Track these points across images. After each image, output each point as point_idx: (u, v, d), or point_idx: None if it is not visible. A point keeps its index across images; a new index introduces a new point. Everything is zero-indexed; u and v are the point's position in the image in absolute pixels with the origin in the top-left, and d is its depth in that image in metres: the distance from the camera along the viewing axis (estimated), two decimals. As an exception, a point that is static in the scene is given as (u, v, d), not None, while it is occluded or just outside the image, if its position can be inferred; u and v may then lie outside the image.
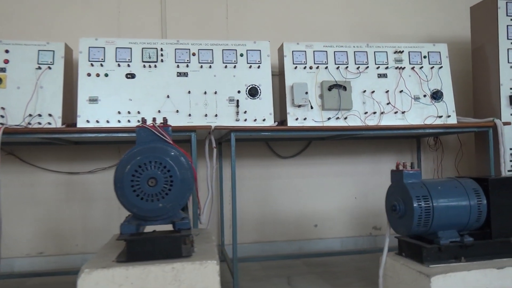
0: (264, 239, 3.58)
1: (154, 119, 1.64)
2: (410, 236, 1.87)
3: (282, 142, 3.64)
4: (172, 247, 1.45)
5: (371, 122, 3.03)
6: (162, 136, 1.53)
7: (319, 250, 3.60)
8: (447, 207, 1.72)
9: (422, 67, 3.17)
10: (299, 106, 2.98)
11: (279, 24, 3.71)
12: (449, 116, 3.12)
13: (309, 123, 2.96)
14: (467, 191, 1.77)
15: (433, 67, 3.18)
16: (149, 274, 1.38)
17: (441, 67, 3.18)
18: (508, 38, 3.01)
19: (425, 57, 3.20)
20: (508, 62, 3.01)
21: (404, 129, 3.01)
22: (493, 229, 1.78)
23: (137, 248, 1.42)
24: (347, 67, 3.08)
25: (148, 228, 1.80)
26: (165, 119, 1.67)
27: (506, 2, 3.00)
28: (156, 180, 1.39)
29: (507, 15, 3.01)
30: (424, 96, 3.13)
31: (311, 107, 2.97)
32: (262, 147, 3.63)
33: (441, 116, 3.11)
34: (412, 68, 3.16)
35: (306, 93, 2.96)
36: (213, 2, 3.61)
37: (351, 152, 3.77)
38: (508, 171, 2.97)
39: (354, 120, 3.01)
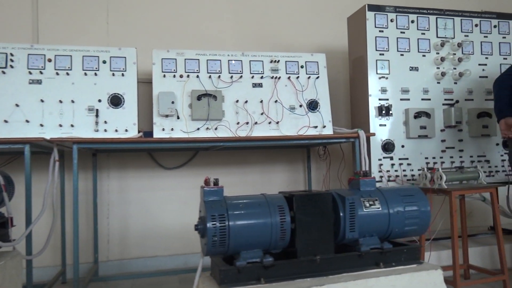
0: (146, 254, 3.42)
1: None
2: (224, 255, 1.78)
3: (167, 152, 3.51)
4: None
5: (243, 132, 2.95)
6: None
7: (206, 264, 3.46)
8: (245, 226, 1.64)
9: (298, 77, 3.13)
10: (167, 116, 2.86)
11: (165, 30, 3.59)
12: (324, 127, 3.09)
13: (177, 134, 2.84)
14: (271, 208, 1.69)
15: (310, 77, 3.15)
16: None
17: (318, 77, 3.16)
18: (376, 49, 3.02)
19: (302, 66, 3.16)
20: (377, 73, 3.02)
21: (274, 140, 2.95)
22: (298, 247, 1.71)
23: None
24: (219, 76, 2.99)
25: None
26: None
27: (375, 14, 3.02)
28: None
29: (375, 27, 3.02)
30: (300, 106, 3.09)
31: (178, 117, 2.86)
32: (146, 158, 3.48)
33: (316, 127, 3.08)
34: (289, 78, 3.11)
35: (173, 102, 2.85)
36: (93, 7, 3.44)
37: (242, 162, 3.69)
38: (377, 181, 2.97)
39: (225, 131, 2.92)
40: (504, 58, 3.28)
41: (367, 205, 1.81)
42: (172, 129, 2.85)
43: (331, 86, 3.83)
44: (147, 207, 3.45)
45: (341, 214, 1.77)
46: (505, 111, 2.63)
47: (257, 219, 1.66)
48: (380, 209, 1.82)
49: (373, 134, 2.93)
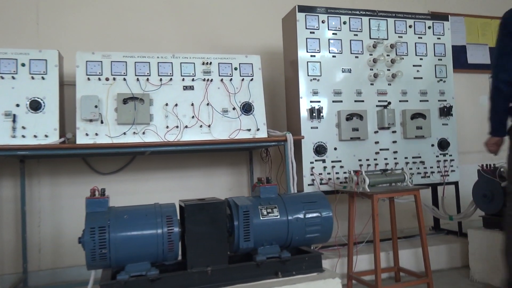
0: (81, 263, 3.26)
1: None
2: (111, 268, 1.71)
3: (102, 157, 3.40)
4: None
5: (172, 137, 2.88)
6: None
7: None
8: (128, 238, 1.57)
9: (231, 79, 3.07)
10: (91, 120, 2.76)
11: (100, 31, 3.48)
12: (258, 130, 3.04)
13: (101, 139, 2.75)
14: (158, 218, 1.63)
15: (243, 79, 3.09)
16: None
17: (252, 79, 3.10)
18: (307, 51, 2.98)
19: (236, 68, 3.10)
20: (308, 75, 2.98)
21: (204, 144, 2.89)
22: (188, 258, 1.65)
23: None
24: (148, 79, 2.91)
25: None
26: None
27: (305, 15, 2.98)
28: None
29: (306, 28, 2.98)
30: (234, 109, 3.03)
31: (102, 122, 2.77)
32: (79, 163, 3.37)
33: (249, 130, 3.02)
34: (221, 80, 3.05)
35: (96, 106, 2.75)
36: (21, 6, 3.31)
37: (183, 166, 3.61)
38: (309, 184, 2.94)
39: (153, 135, 2.84)
40: (439, 59, 3.29)
41: (265, 213, 1.76)
42: (96, 134, 2.76)
43: (274, 87, 3.80)
44: (81, 214, 3.27)
45: (236, 223, 1.72)
46: (501, 130, 2.27)
47: (142, 230, 1.60)
48: (278, 217, 1.78)
49: (302, 137, 2.89)
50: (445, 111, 3.22)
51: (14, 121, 2.65)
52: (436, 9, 4.42)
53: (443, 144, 3.22)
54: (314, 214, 1.82)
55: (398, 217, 3.84)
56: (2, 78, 2.68)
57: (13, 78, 2.70)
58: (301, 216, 1.80)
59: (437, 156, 3.23)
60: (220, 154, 3.72)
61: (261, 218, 1.75)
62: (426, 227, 3.83)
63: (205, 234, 1.67)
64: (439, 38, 3.30)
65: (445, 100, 3.28)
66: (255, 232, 1.73)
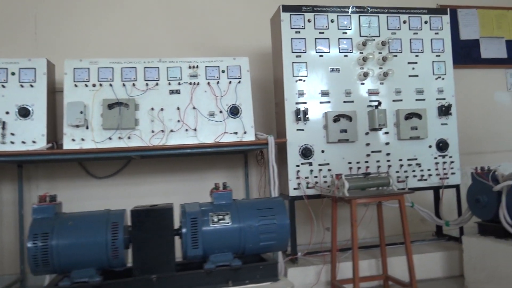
0: (77, 265, 3.39)
1: None
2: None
3: (97, 162, 3.47)
4: None
5: (158, 141, 2.89)
6: None
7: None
8: (72, 245, 1.57)
9: (219, 82, 3.04)
10: (77, 126, 2.82)
11: (97, 39, 3.55)
12: (245, 133, 2.99)
13: (88, 144, 2.81)
14: (103, 225, 1.62)
15: (231, 81, 3.05)
16: None
17: (240, 81, 3.06)
18: (292, 51, 2.91)
19: (223, 71, 3.07)
20: (293, 76, 2.90)
21: (188, 148, 2.88)
22: (134, 265, 1.64)
23: None
24: (134, 84, 2.94)
25: None
26: None
27: (290, 15, 2.91)
28: None
29: (291, 28, 2.91)
30: (220, 112, 3.00)
31: (87, 127, 2.82)
32: (76, 168, 3.45)
33: (236, 133, 2.99)
34: (208, 84, 3.03)
35: (81, 112, 2.81)
36: (20, 16, 3.43)
37: (178, 169, 3.62)
38: (294, 188, 2.86)
39: (138, 139, 2.86)
40: (437, 55, 3.12)
41: (215, 220, 1.72)
42: (82, 139, 2.81)
43: (267, 89, 3.73)
44: (78, 217, 3.41)
45: (184, 230, 1.68)
46: None
47: (86, 237, 1.60)
48: (230, 224, 1.73)
49: (285, 140, 2.82)
50: (444, 110, 3.04)
51: (3, 128, 2.75)
52: (445, 2, 4.20)
53: (442, 145, 3.05)
54: (269, 221, 1.76)
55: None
56: (-7, 87, 2.79)
57: (3, 86, 2.80)
58: (254, 223, 1.75)
59: (435, 158, 3.06)
60: (215, 157, 3.70)
61: (211, 225, 1.71)
62: (429, 232, 3.64)
63: (151, 241, 1.65)
64: (437, 33, 3.13)
65: (444, 99, 3.10)
66: (205, 240, 1.69)
